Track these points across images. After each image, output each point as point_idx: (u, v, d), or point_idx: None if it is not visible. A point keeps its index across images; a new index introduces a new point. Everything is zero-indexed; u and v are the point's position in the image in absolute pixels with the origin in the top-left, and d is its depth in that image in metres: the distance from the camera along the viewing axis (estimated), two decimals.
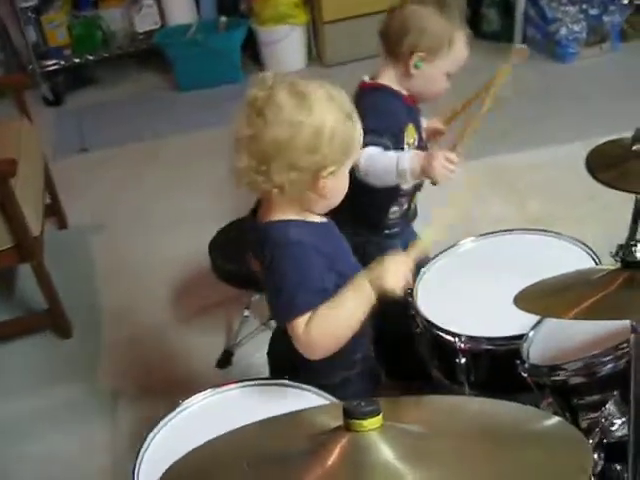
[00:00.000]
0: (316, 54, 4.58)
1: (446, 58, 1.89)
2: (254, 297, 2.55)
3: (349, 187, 1.87)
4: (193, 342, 2.63)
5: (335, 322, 1.44)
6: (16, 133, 2.92)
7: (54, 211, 3.28)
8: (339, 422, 0.91)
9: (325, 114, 1.40)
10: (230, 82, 4.27)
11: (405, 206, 2.08)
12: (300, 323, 1.43)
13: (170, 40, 4.47)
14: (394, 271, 1.47)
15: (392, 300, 1.71)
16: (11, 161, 2.40)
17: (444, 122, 2.16)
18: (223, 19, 4.55)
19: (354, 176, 1.85)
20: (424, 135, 2.08)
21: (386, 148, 1.87)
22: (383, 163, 1.83)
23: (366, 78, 1.99)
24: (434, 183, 1.82)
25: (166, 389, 2.42)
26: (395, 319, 1.77)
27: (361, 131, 1.49)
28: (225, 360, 2.52)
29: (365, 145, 1.81)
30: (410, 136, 1.98)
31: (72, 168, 3.73)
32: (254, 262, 1.57)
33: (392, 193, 2.02)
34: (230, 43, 4.43)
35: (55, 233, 3.28)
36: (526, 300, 1.17)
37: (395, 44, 1.91)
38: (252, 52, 4.60)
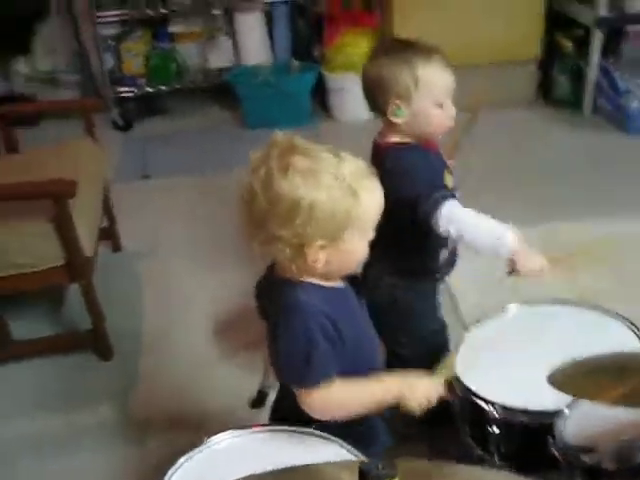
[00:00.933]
0: None
1: (420, 94, 1.87)
2: None
3: (393, 238, 1.85)
4: (230, 379, 2.62)
5: (347, 403, 1.49)
6: (82, 154, 3.00)
7: (109, 234, 3.33)
8: None
9: (309, 188, 1.35)
10: (297, 125, 4.33)
11: (453, 246, 2.06)
12: (312, 393, 1.44)
13: (242, 78, 4.55)
14: (422, 394, 1.51)
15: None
16: (71, 182, 2.45)
17: (448, 156, 2.13)
18: (296, 63, 4.63)
19: (400, 225, 1.85)
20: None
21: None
22: (485, 233, 1.78)
23: (377, 138, 1.99)
24: (512, 272, 1.75)
25: (197, 424, 2.41)
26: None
27: (375, 203, 1.43)
28: (259, 400, 2.50)
29: (438, 201, 1.82)
30: (448, 182, 1.97)
31: (132, 193, 3.80)
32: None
33: (443, 237, 2.00)
34: (301, 86, 4.50)
35: (108, 255, 3.32)
36: (560, 378, 1.13)
37: (373, 103, 1.95)
38: (321, 98, 4.66)
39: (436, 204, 1.79)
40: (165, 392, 2.60)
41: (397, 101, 1.88)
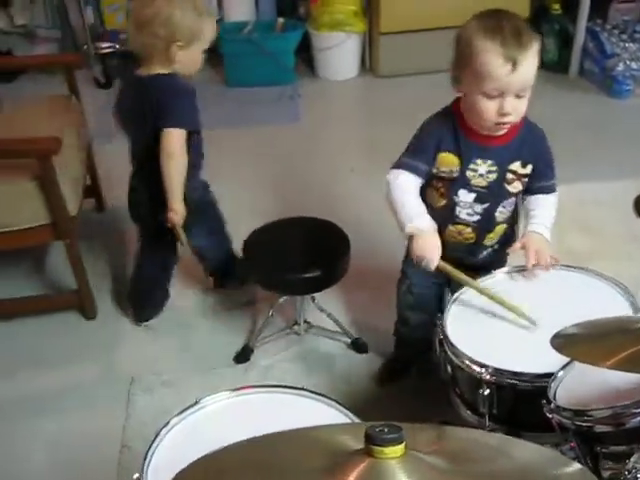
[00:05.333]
0: (369, 64, 4.56)
1: (470, 74, 1.78)
2: (281, 299, 2.53)
3: None
4: (214, 337, 2.63)
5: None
6: (64, 111, 2.94)
7: (93, 192, 3.29)
8: (359, 444, 0.89)
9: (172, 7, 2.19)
10: (280, 83, 4.27)
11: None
12: (180, 134, 2.25)
13: (225, 36, 4.46)
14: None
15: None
16: (56, 139, 2.40)
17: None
18: (280, 20, 4.55)
19: None
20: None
21: (419, 173, 1.91)
22: (399, 208, 1.89)
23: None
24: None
25: (182, 381, 2.42)
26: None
27: (212, 29, 2.27)
28: (244, 355, 2.50)
29: (399, 165, 1.91)
30: (444, 164, 1.93)
31: (113, 152, 3.73)
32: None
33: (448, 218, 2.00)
34: (285, 45, 4.42)
35: (92, 215, 3.30)
36: (563, 342, 1.13)
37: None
38: (306, 56, 4.59)
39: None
40: (150, 351, 2.60)
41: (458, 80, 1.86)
